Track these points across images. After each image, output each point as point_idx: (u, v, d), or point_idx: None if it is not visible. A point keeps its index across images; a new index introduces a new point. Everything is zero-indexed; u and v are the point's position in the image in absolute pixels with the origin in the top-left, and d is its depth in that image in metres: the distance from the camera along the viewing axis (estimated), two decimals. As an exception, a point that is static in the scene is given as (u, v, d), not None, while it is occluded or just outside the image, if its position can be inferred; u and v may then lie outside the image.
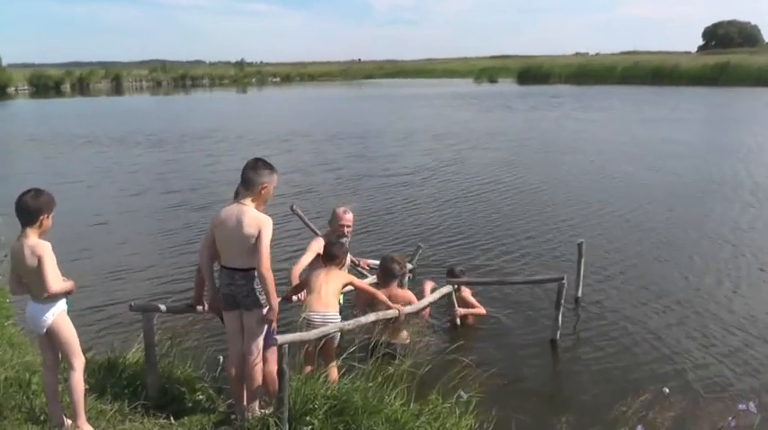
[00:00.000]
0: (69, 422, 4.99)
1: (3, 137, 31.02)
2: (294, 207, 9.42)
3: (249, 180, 5.04)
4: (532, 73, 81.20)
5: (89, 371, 5.31)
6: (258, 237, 4.88)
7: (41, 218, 4.75)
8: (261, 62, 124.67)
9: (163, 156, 24.25)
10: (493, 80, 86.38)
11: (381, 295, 6.77)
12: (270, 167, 5.11)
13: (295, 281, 6.69)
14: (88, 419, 5.02)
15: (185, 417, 5.35)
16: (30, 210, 4.73)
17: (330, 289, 6.29)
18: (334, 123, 34.46)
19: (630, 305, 9.04)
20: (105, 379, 5.81)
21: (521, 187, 17.58)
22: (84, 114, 45.51)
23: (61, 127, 33.59)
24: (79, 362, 4.91)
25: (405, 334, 6.97)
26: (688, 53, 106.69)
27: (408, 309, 6.92)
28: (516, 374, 7.15)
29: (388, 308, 6.63)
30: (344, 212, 7.51)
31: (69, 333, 4.88)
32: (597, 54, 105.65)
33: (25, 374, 5.68)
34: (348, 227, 7.47)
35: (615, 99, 48.79)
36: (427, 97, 56.88)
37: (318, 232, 8.30)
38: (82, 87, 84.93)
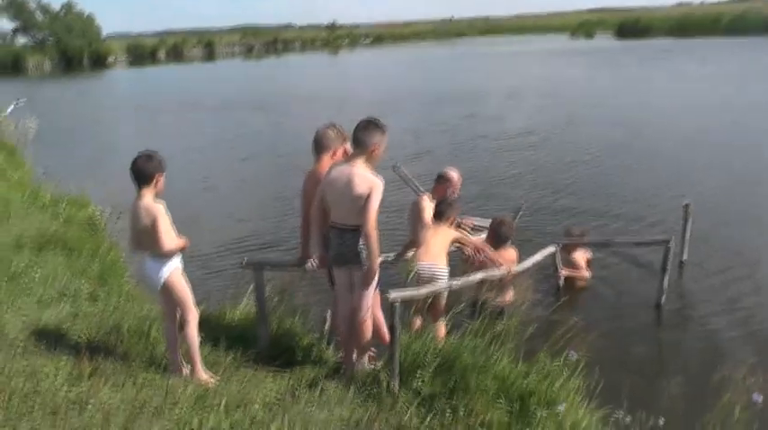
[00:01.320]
0: (187, 369, 5.24)
1: (110, 105, 32.16)
2: (398, 166, 9.44)
3: (360, 140, 5.06)
4: (632, 26, 77.88)
5: (203, 323, 5.50)
6: (368, 198, 4.92)
7: (156, 178, 4.98)
8: (352, 24, 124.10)
9: (267, 119, 24.67)
10: (589, 35, 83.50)
11: (489, 252, 6.76)
12: (381, 128, 5.12)
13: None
14: (204, 367, 5.24)
15: (296, 368, 5.50)
16: (144, 171, 4.95)
17: (439, 243, 6.33)
18: (436, 84, 33.86)
19: (738, 269, 8.75)
20: (218, 331, 6.04)
21: (632, 146, 16.97)
22: (183, 81, 46.73)
23: (163, 94, 34.53)
24: (193, 315, 5.14)
25: (511, 293, 6.96)
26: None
27: (516, 268, 6.88)
28: (622, 338, 7.04)
29: (497, 266, 6.62)
30: (456, 175, 7.50)
31: (183, 289, 5.10)
32: (702, 3, 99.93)
33: (145, 325, 5.96)
34: (454, 188, 7.46)
35: (726, 52, 46.12)
36: (524, 54, 55.33)
37: (421, 190, 8.32)
38: (176, 54, 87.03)
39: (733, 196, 12.08)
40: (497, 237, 7.38)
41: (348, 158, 5.15)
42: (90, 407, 4.24)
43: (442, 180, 7.49)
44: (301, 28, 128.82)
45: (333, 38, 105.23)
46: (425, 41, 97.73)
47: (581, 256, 8.37)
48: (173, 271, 5.04)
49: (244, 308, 6.65)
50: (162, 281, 5.06)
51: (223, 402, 4.40)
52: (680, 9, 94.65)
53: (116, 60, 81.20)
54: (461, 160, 15.20)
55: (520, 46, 69.98)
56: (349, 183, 4.97)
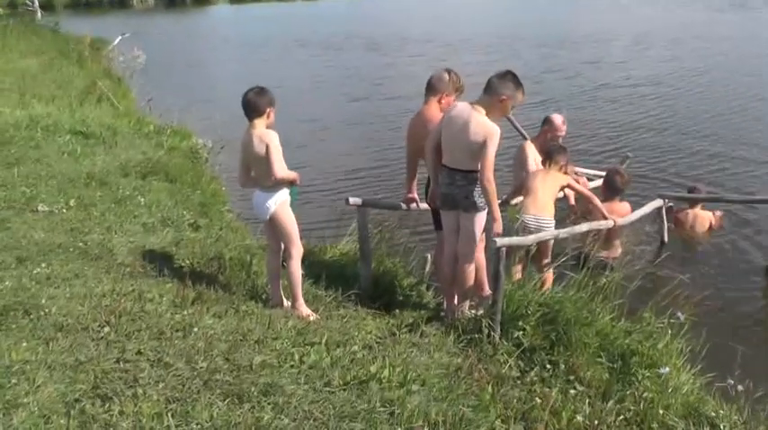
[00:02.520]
0: (288, 303, 5.26)
1: (213, 41, 32.29)
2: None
3: (492, 87, 4.94)
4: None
5: (305, 259, 5.50)
6: (484, 146, 4.78)
7: (267, 111, 4.98)
8: None
9: (380, 60, 23.99)
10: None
11: (598, 201, 6.49)
12: (517, 83, 4.97)
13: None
14: (305, 302, 5.25)
15: (396, 310, 5.46)
16: (257, 104, 4.97)
17: (547, 191, 6.12)
18: (550, 25, 31.81)
19: None
20: (320, 267, 6.05)
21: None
22: (288, 18, 46.33)
23: (268, 31, 34.27)
24: (297, 250, 5.14)
25: (617, 247, 6.71)
26: None
27: (622, 220, 6.61)
28: (730, 301, 6.69)
29: (604, 217, 6.36)
30: (559, 119, 7.27)
31: (290, 222, 5.09)
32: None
33: (246, 256, 6.01)
34: (561, 135, 7.21)
35: None
36: None
37: (527, 136, 8.08)
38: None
39: None
40: (610, 188, 7.16)
41: (475, 101, 4.97)
42: (194, 332, 4.30)
43: (544, 124, 7.30)
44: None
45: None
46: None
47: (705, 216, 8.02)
48: (280, 202, 5.04)
49: (345, 246, 6.66)
50: (270, 211, 5.06)
51: (324, 339, 4.38)
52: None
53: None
54: (580, 110, 14.72)
55: None
56: (465, 127, 4.83)
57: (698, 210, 8.02)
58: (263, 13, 56.17)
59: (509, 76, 4.95)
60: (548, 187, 6.16)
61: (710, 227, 8.03)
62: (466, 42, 26.30)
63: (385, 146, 12.57)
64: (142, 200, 7.50)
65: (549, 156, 6.45)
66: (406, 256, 6.49)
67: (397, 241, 6.57)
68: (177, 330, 4.35)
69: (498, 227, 4.96)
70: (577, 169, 8.38)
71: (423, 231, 7.05)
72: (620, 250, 6.80)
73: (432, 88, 5.54)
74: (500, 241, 4.70)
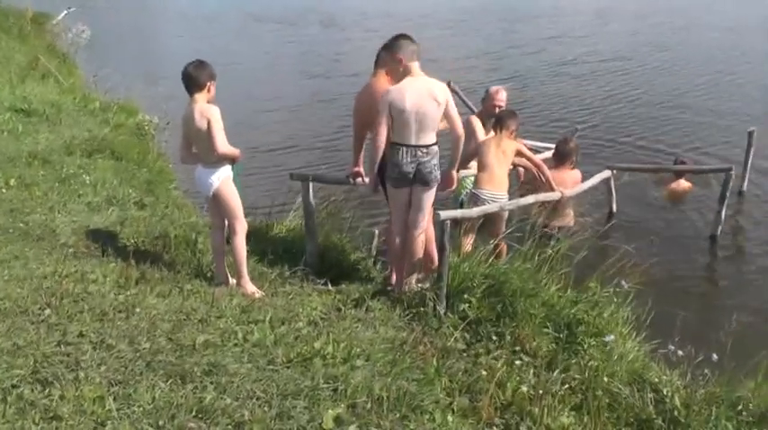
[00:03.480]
0: (233, 281, 5.22)
1: (166, 13, 31.39)
2: (452, 84, 9.19)
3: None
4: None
5: (250, 235, 5.45)
6: (448, 105, 4.89)
7: (208, 84, 4.92)
8: None
9: (337, 35, 23.58)
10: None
11: (547, 171, 6.53)
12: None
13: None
14: (251, 280, 5.22)
15: (342, 285, 5.45)
16: (197, 77, 4.91)
17: (502, 165, 6.13)
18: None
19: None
20: (266, 244, 6.02)
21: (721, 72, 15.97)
22: None
23: (223, 4, 33.23)
24: (241, 226, 5.10)
25: (568, 215, 6.79)
26: None
27: (569, 192, 6.67)
28: (674, 269, 6.84)
29: (551, 188, 6.42)
30: (497, 92, 7.27)
31: (233, 198, 5.05)
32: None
33: (191, 234, 5.95)
34: (501, 106, 7.20)
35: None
36: None
37: (474, 109, 8.10)
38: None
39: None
40: (559, 154, 7.23)
41: (411, 73, 4.93)
42: (137, 313, 4.24)
43: (488, 98, 7.29)
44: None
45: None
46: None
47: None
48: (224, 178, 4.99)
49: (291, 222, 6.61)
50: (213, 187, 5.01)
51: (268, 316, 4.36)
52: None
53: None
54: (541, 84, 14.83)
55: None
56: (430, 96, 4.83)
57: (682, 181, 8.51)
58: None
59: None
60: (501, 160, 6.17)
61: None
62: (426, 17, 25.91)
63: (340, 123, 12.19)
64: (87, 178, 7.35)
65: (498, 122, 6.44)
66: (352, 232, 6.49)
67: (344, 216, 6.54)
68: (120, 311, 4.28)
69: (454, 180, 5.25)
70: (526, 142, 8.44)
71: (369, 206, 7.04)
72: (571, 218, 6.87)
73: (380, 60, 5.43)
74: (445, 214, 4.71)
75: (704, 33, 21.12)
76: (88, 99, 11.74)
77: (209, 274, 5.39)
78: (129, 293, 4.57)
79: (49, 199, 6.55)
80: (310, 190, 5.70)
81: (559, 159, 7.25)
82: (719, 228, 7.37)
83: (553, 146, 8.93)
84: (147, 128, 10.49)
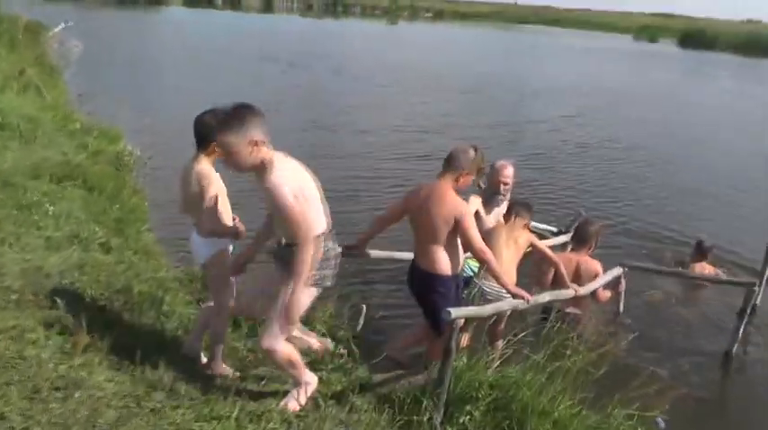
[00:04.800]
0: (205, 359, 4.50)
1: (160, 41, 30.91)
2: None
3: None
4: (697, 37, 74.80)
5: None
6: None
7: (214, 145, 4.16)
8: None
9: (347, 85, 22.85)
10: (653, 40, 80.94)
11: (562, 268, 5.89)
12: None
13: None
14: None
15: (323, 372, 4.71)
16: (205, 133, 4.19)
17: (512, 256, 5.47)
18: (520, 72, 31.05)
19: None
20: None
21: (717, 169, 15.24)
22: (240, 28, 44.90)
23: (220, 38, 32.86)
24: (226, 306, 4.38)
25: (577, 303, 6.20)
26: None
27: (583, 290, 6.03)
28: (689, 388, 6.11)
29: (565, 284, 5.80)
30: (504, 167, 6.58)
31: (223, 277, 4.34)
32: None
33: (158, 292, 5.21)
34: (507, 184, 6.55)
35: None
36: (598, 51, 51.27)
37: (482, 184, 7.47)
38: (233, 2, 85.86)
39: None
40: (579, 237, 6.68)
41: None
42: (77, 396, 3.49)
43: (494, 173, 6.51)
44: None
45: (394, 8, 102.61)
46: (487, 23, 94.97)
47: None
48: (217, 253, 4.29)
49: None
50: (202, 260, 4.35)
51: (235, 412, 3.63)
52: (746, 26, 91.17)
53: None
54: (552, 165, 13.79)
55: (588, 41, 66.80)
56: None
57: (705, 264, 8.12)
58: (217, 19, 54.92)
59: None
60: (512, 251, 5.52)
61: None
62: (440, 78, 25.72)
63: (345, 185, 11.14)
64: (51, 208, 6.60)
65: (512, 212, 5.80)
66: (340, 304, 5.76)
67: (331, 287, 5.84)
68: (58, 388, 3.56)
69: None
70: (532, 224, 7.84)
71: (361, 279, 6.41)
72: (585, 305, 6.27)
73: (453, 163, 4.90)
74: (456, 312, 4.04)
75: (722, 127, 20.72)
76: (69, 118, 11.04)
77: (175, 344, 4.65)
78: (72, 364, 3.82)
79: (1, 229, 5.79)
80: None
81: (578, 242, 6.69)
82: (735, 345, 6.74)
83: (556, 229, 8.61)
84: (127, 159, 9.75)
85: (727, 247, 9.29)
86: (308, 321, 5.22)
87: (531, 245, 5.75)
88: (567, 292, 5.73)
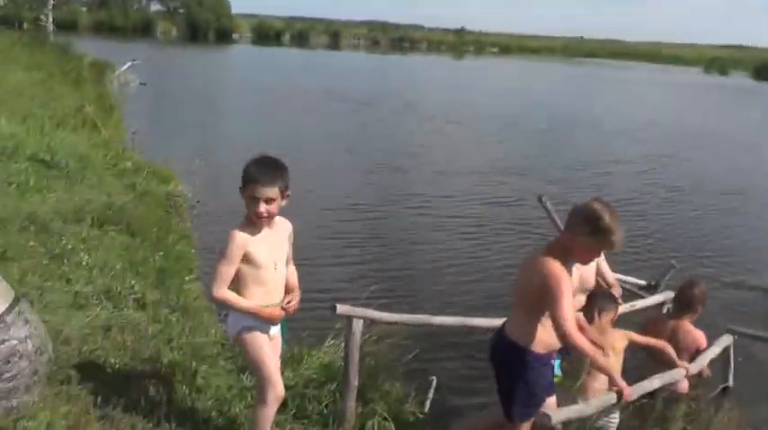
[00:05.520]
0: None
1: (227, 80, 30.70)
2: (543, 199, 7.81)
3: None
4: (772, 68, 71.82)
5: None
6: None
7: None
8: (479, 31, 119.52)
9: (418, 125, 21.66)
10: (724, 72, 78.42)
11: (671, 350, 4.93)
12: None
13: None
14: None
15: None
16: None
17: (614, 363, 4.46)
18: (594, 109, 29.71)
19: None
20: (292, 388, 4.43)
21: None
22: (308, 66, 44.02)
23: (287, 77, 32.27)
24: (272, 392, 3.48)
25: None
26: None
27: (694, 367, 5.00)
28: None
29: (672, 362, 4.79)
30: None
31: (256, 354, 3.49)
32: None
33: (192, 362, 4.42)
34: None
35: None
36: (671, 85, 49.45)
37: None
38: (301, 39, 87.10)
39: None
40: (681, 302, 5.61)
41: None
42: None
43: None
44: (430, 30, 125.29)
45: (459, 43, 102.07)
46: (554, 57, 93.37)
47: None
48: (241, 330, 3.48)
49: (329, 350, 5.04)
50: (230, 336, 3.63)
51: None
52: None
53: (241, 37, 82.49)
54: (638, 210, 12.41)
55: (658, 74, 65.08)
56: None
57: None
58: (284, 58, 55.03)
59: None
60: (612, 359, 4.49)
61: None
62: (513, 117, 24.69)
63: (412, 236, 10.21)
64: (85, 258, 5.99)
65: (594, 305, 4.77)
66: (407, 380, 4.88)
67: (396, 356, 4.95)
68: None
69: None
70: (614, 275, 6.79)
71: (431, 345, 5.56)
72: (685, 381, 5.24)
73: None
74: (556, 415, 3.12)
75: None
76: (121, 156, 10.54)
77: (202, 425, 3.85)
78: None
79: (25, 282, 5.13)
80: (357, 329, 4.10)
81: (680, 307, 5.63)
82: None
83: (645, 282, 7.61)
84: (178, 200, 9.14)
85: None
86: (365, 399, 4.35)
87: (631, 341, 4.79)
88: (679, 373, 4.72)
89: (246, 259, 3.35)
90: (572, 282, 3.56)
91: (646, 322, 5.87)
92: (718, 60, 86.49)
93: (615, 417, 4.30)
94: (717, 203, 13.96)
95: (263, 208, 3.29)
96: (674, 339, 5.46)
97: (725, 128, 26.97)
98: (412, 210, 11.42)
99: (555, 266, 3.49)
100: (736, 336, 6.00)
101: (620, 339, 4.66)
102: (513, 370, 3.78)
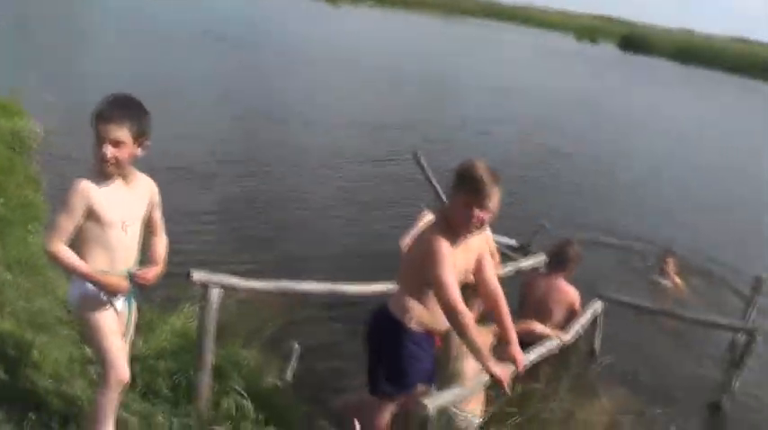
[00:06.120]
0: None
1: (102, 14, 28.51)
2: (418, 155, 7.66)
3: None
4: (638, 42, 75.40)
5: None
6: None
7: None
8: None
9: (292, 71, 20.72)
10: (594, 41, 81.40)
11: (539, 328, 5.05)
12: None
13: None
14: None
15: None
16: None
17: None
18: (479, 70, 28.92)
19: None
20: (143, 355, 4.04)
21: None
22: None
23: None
24: (114, 374, 3.07)
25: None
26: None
27: (568, 337, 5.07)
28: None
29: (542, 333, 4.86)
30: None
31: (98, 331, 3.07)
32: (709, 38, 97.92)
33: (24, 333, 3.92)
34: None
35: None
36: (544, 49, 49.50)
37: (442, 194, 6.47)
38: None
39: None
40: (554, 260, 5.92)
41: None
42: None
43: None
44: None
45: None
46: (430, 13, 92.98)
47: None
48: (84, 298, 3.04)
49: (184, 317, 4.67)
50: (72, 306, 3.19)
51: None
52: (681, 35, 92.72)
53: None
54: (527, 172, 12.59)
55: (532, 38, 65.89)
56: None
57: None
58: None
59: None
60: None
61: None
62: (394, 71, 23.94)
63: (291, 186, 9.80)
64: None
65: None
66: (271, 350, 4.59)
67: (256, 323, 4.64)
68: None
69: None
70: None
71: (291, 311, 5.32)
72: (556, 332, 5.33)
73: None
74: (432, 402, 2.94)
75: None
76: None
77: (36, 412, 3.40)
78: None
79: None
80: (214, 298, 3.73)
81: (555, 266, 5.90)
82: (726, 397, 5.85)
83: (511, 241, 7.92)
84: (27, 138, 8.28)
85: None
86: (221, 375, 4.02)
87: (496, 335, 4.70)
88: (554, 344, 4.71)
89: (90, 215, 2.93)
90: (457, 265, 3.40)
91: (522, 283, 6.08)
92: (589, 29, 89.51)
93: (477, 417, 4.22)
94: (589, 167, 14.49)
95: (108, 150, 2.88)
96: (548, 296, 5.74)
97: (596, 93, 27.94)
98: (284, 166, 10.70)
99: (438, 243, 3.32)
100: (605, 302, 6.15)
101: (486, 335, 4.56)
102: (386, 343, 3.61)
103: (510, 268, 6.27)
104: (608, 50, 67.87)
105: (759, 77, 53.34)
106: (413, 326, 3.52)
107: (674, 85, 37.95)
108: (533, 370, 4.40)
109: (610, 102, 25.93)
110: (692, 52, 69.18)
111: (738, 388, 5.93)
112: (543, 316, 5.70)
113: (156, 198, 3.22)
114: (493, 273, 3.70)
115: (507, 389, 3.40)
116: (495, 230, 6.77)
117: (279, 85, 18.06)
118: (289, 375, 4.63)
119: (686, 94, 34.29)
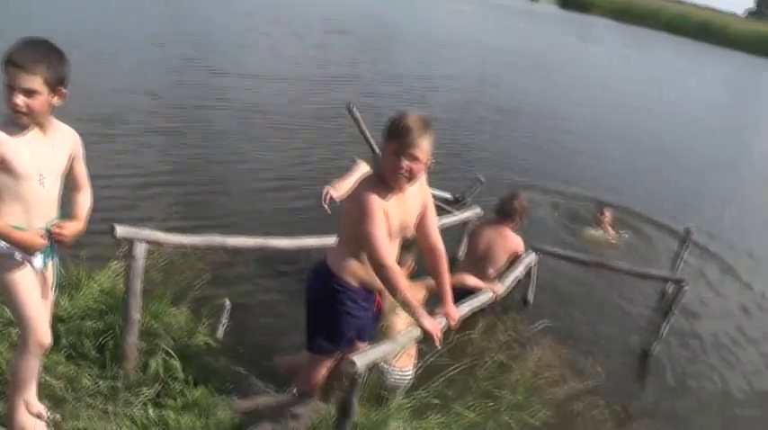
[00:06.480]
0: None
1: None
2: (351, 105, 7.58)
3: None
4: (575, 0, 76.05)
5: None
6: None
7: None
8: None
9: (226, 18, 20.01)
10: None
11: (472, 280, 5.23)
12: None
13: None
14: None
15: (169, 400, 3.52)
16: None
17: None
18: (400, 22, 28.78)
19: (736, 315, 7.34)
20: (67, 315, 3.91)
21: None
22: None
23: None
24: (34, 338, 2.95)
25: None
26: (734, 15, 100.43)
27: (502, 290, 5.17)
28: (601, 393, 5.35)
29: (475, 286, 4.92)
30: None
31: (16, 293, 2.92)
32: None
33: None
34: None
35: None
36: (479, 4, 49.83)
37: (376, 148, 6.45)
38: None
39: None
40: (500, 212, 6.08)
41: None
42: None
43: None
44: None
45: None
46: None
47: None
48: None
49: (108, 276, 4.50)
50: None
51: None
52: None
53: None
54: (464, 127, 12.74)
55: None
56: None
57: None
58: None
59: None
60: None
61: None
62: (330, 23, 23.69)
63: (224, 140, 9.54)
64: None
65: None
66: (201, 307, 4.50)
67: (183, 279, 4.53)
68: None
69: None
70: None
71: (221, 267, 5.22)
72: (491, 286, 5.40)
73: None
74: (360, 360, 2.91)
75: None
76: None
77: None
78: None
79: None
80: (140, 254, 3.61)
81: (501, 217, 6.07)
82: (656, 345, 6.05)
83: (446, 194, 7.93)
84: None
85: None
86: (149, 333, 3.93)
87: (429, 290, 4.64)
88: (487, 296, 4.76)
89: (2, 166, 2.74)
90: (392, 220, 3.34)
91: (470, 231, 6.37)
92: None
93: (409, 372, 4.24)
94: (529, 123, 14.69)
95: (18, 99, 2.69)
96: (494, 244, 5.88)
97: (538, 49, 28.14)
98: (217, 120, 10.31)
99: (368, 198, 3.26)
100: (539, 254, 6.25)
101: (419, 290, 4.54)
102: (321, 298, 3.56)
103: (443, 221, 6.30)
104: (548, 8, 68.17)
105: (692, 37, 54.94)
106: (350, 281, 3.48)
107: (613, 43, 38.51)
108: (468, 321, 4.43)
109: (553, 58, 26.18)
110: (630, 12, 70.25)
111: (667, 335, 6.14)
112: (488, 263, 5.89)
113: (80, 150, 3.03)
114: (435, 227, 3.66)
115: (438, 344, 3.39)
116: (431, 184, 6.82)
117: (220, 33, 17.54)
118: (220, 333, 4.56)
119: (624, 51, 34.83)
